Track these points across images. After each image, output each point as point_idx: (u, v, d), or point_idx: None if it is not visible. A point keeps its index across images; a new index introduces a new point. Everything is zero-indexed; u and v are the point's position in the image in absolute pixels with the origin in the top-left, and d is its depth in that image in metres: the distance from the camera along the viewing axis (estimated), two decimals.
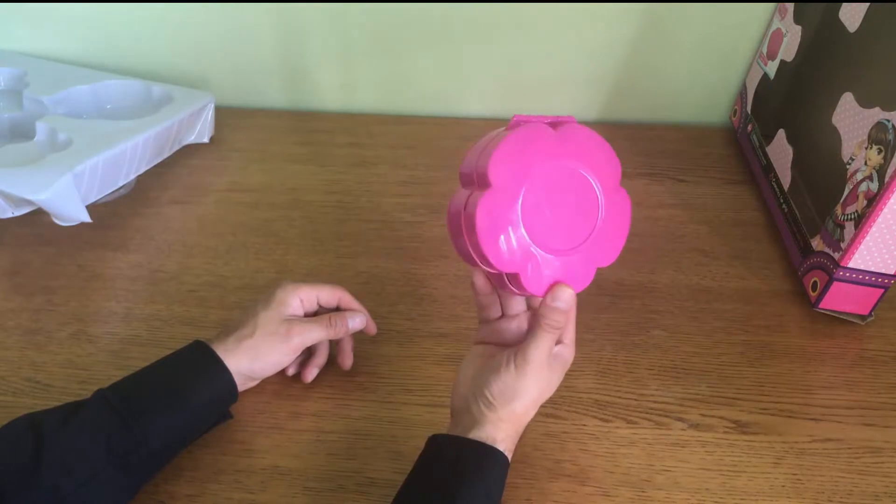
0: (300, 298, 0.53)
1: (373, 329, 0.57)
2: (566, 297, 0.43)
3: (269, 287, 0.53)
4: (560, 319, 0.43)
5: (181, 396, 0.47)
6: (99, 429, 0.44)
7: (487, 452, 0.42)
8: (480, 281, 0.47)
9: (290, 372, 0.56)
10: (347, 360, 0.57)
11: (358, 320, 0.55)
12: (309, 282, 0.54)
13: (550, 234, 0.42)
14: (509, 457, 0.44)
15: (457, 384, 0.47)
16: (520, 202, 0.41)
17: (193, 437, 0.50)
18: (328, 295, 0.55)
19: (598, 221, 0.43)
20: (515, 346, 0.44)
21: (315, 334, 0.53)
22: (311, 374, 0.56)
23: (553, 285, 0.43)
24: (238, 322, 0.52)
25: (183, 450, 0.50)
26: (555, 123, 0.43)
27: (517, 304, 0.48)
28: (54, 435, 0.43)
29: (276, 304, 0.52)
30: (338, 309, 0.56)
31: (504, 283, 0.44)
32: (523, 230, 0.41)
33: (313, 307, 0.55)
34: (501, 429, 0.43)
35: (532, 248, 0.42)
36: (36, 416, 0.45)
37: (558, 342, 0.45)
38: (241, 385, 0.51)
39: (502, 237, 0.41)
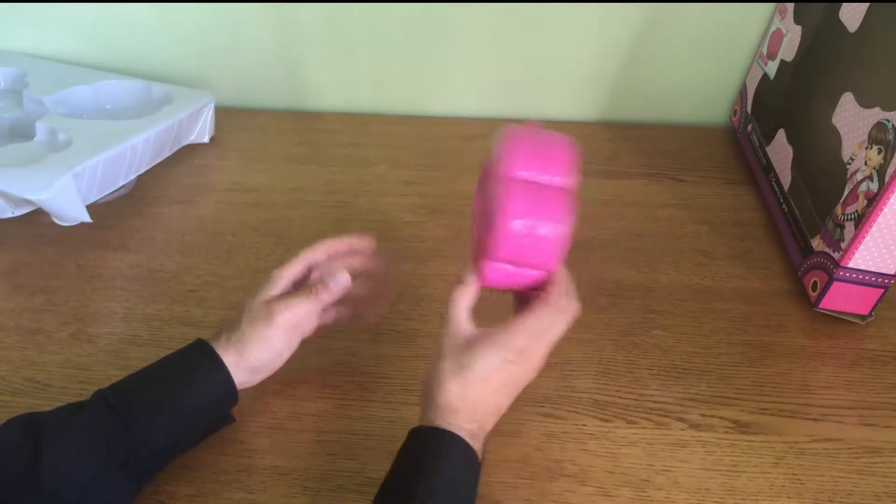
0: (286, 276, 0.52)
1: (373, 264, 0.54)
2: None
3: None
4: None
5: (180, 396, 0.47)
6: (99, 430, 0.44)
7: (452, 440, 0.42)
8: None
9: (331, 318, 0.54)
10: (372, 314, 0.56)
11: (341, 280, 0.51)
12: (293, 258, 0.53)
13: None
14: (469, 439, 0.42)
15: (425, 381, 0.46)
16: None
17: (194, 438, 0.50)
18: (314, 255, 0.53)
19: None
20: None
21: (298, 308, 0.50)
22: (330, 316, 0.54)
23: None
24: (233, 316, 0.51)
25: (185, 452, 0.49)
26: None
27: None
28: (53, 437, 0.43)
29: (263, 286, 0.51)
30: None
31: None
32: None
33: (303, 275, 0.53)
34: (443, 412, 0.43)
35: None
36: (34, 417, 0.45)
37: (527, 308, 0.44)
38: (243, 382, 0.50)
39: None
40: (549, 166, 0.43)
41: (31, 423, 0.44)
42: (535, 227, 0.42)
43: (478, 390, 0.43)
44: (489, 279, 0.45)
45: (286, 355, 0.52)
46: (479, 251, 0.45)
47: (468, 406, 0.43)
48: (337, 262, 0.54)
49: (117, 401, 0.45)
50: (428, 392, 0.44)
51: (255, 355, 0.49)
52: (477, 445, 0.43)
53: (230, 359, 0.48)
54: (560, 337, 0.44)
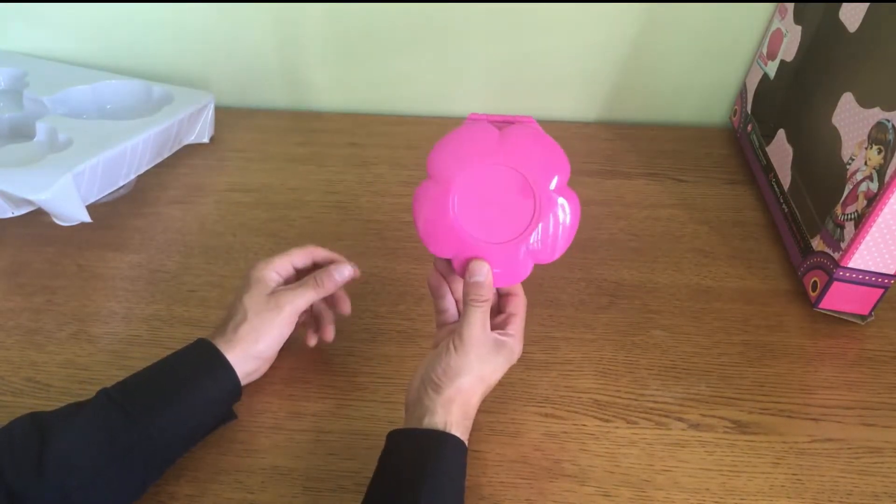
0: (275, 271, 0.53)
1: (357, 273, 0.56)
2: (480, 271, 0.46)
3: (245, 274, 0.53)
4: (482, 293, 0.46)
5: (185, 393, 0.47)
6: (103, 425, 0.44)
7: (443, 439, 0.44)
8: (434, 280, 0.51)
9: (311, 343, 0.56)
10: (345, 306, 0.57)
11: (346, 271, 0.54)
12: (278, 253, 0.54)
13: (483, 225, 0.47)
14: (465, 440, 0.45)
15: (410, 381, 0.48)
16: (454, 193, 0.46)
17: (199, 434, 0.50)
18: (301, 257, 0.55)
19: (533, 219, 0.46)
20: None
21: (304, 297, 0.52)
22: (330, 332, 0.56)
23: (469, 262, 0.47)
24: (228, 314, 0.52)
25: (189, 448, 0.50)
26: (507, 123, 0.47)
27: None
28: (58, 433, 0.43)
29: (254, 284, 0.52)
30: (315, 267, 0.56)
31: (451, 269, 0.49)
32: (456, 219, 0.46)
33: (290, 274, 0.55)
34: (452, 411, 0.45)
35: (464, 236, 0.46)
36: (39, 414, 0.45)
37: (504, 332, 0.48)
38: (252, 371, 0.51)
39: (435, 223, 0.47)
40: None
41: (35, 421, 0.44)
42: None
43: (479, 390, 0.47)
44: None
45: (284, 340, 0.53)
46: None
47: (470, 401, 0.47)
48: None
49: (122, 397, 0.46)
50: (437, 387, 0.46)
51: (265, 344, 0.51)
52: (466, 436, 0.46)
53: (238, 350, 0.50)
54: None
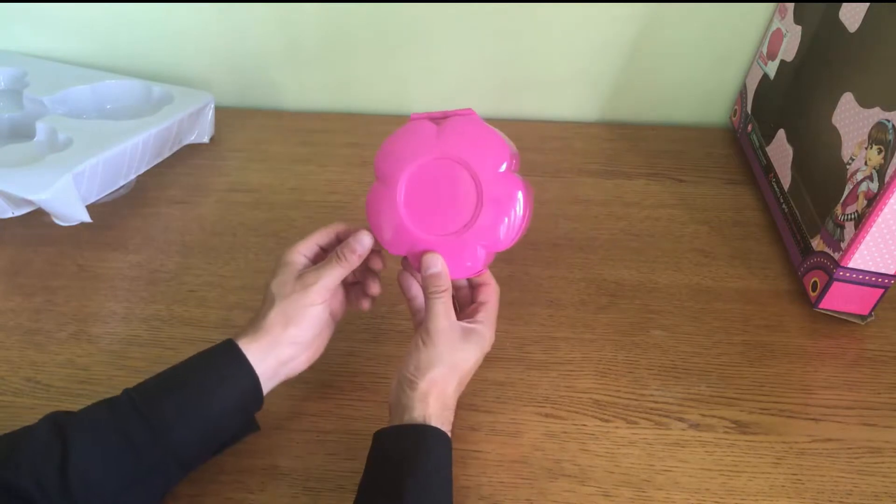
0: (301, 254, 0.51)
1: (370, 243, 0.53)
2: (434, 263, 0.48)
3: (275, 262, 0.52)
4: (439, 284, 0.47)
5: (209, 403, 0.45)
6: (128, 439, 0.43)
7: (422, 432, 0.44)
8: (403, 279, 0.52)
9: (365, 307, 0.54)
10: (375, 288, 0.54)
11: (365, 239, 0.50)
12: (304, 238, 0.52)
13: (431, 219, 0.48)
14: (447, 430, 0.46)
15: (391, 384, 0.49)
16: (400, 192, 0.48)
17: (220, 440, 0.48)
18: (324, 236, 0.52)
19: (477, 208, 0.47)
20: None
21: (331, 274, 0.49)
22: (367, 304, 0.54)
23: (422, 257, 0.48)
24: (260, 306, 0.50)
25: (209, 457, 0.49)
26: (447, 118, 0.48)
27: None
28: (80, 447, 0.42)
29: (281, 268, 0.50)
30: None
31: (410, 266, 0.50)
32: (405, 217, 0.48)
33: (317, 254, 0.52)
34: (429, 404, 0.46)
35: (414, 232, 0.48)
36: (62, 421, 0.44)
37: (472, 320, 0.49)
38: (289, 359, 0.49)
39: (387, 223, 0.49)
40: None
41: (56, 428, 0.43)
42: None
43: (454, 379, 0.48)
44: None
45: (326, 335, 0.51)
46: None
47: (446, 391, 0.47)
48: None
49: (147, 408, 0.44)
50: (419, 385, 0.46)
51: (298, 328, 0.48)
52: (448, 427, 0.47)
53: (269, 339, 0.47)
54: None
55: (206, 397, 0.46)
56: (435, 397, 0.46)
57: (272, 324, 0.48)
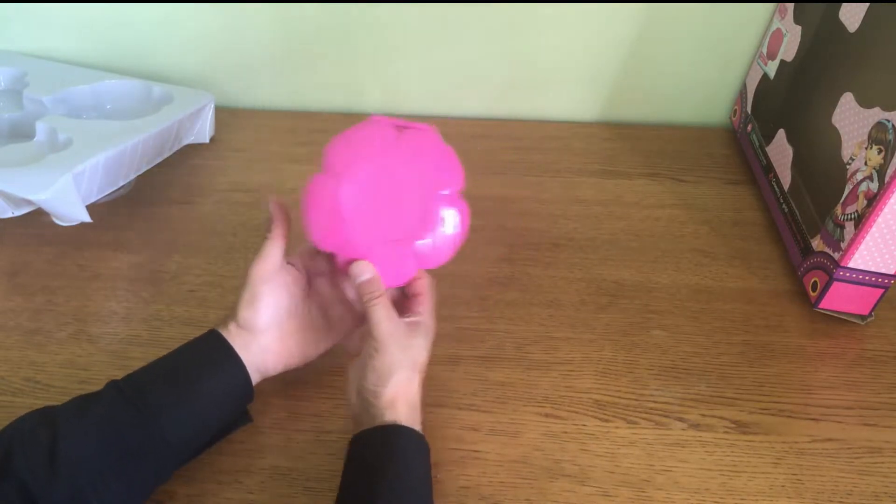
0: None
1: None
2: (366, 270, 0.47)
3: None
4: (375, 290, 0.47)
5: (196, 386, 0.47)
6: (114, 420, 0.44)
7: (392, 432, 0.44)
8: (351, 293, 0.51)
9: (350, 295, 0.53)
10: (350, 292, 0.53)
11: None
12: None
13: (371, 222, 0.47)
14: (417, 429, 0.46)
15: (346, 394, 0.49)
16: (345, 187, 0.47)
17: (211, 432, 0.49)
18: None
19: (421, 223, 0.47)
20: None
21: (266, 252, 0.50)
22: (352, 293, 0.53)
23: (350, 265, 0.47)
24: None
25: (201, 451, 0.49)
26: (407, 128, 0.48)
27: None
28: (69, 429, 0.43)
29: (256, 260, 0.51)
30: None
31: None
32: (346, 213, 0.47)
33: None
34: (398, 409, 0.45)
35: (352, 231, 0.47)
36: (49, 410, 0.45)
37: (413, 314, 0.49)
38: (267, 345, 0.50)
39: (325, 216, 0.47)
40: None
41: (47, 415, 0.44)
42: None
43: (416, 377, 0.47)
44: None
45: (303, 336, 0.52)
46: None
47: (410, 392, 0.47)
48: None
49: (132, 391, 0.45)
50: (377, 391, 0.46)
51: (259, 315, 0.49)
52: (418, 425, 0.46)
53: (243, 335, 0.49)
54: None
55: (192, 379, 0.47)
56: (402, 401, 0.46)
57: (241, 315, 0.49)
